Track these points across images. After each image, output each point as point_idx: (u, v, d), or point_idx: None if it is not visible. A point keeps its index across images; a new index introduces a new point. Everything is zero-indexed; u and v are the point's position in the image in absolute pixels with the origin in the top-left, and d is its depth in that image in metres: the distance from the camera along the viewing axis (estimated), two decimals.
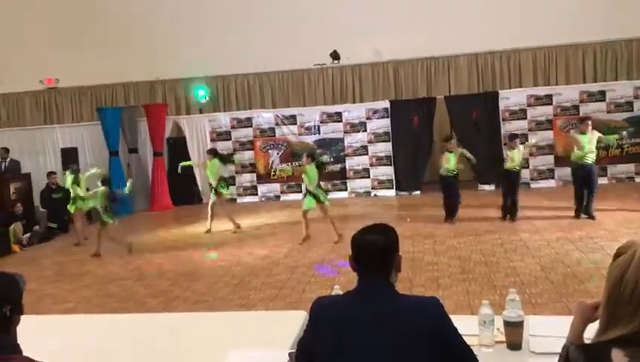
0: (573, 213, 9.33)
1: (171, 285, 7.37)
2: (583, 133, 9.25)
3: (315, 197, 8.92)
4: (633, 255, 1.64)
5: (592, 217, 9.09)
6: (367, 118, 13.55)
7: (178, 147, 14.15)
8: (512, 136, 9.82)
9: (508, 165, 9.51)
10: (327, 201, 9.14)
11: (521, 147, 9.64)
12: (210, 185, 10.67)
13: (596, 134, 9.32)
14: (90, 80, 15.83)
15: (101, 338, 3.10)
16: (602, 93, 12.73)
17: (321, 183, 9.32)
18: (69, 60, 15.26)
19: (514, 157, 9.46)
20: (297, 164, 13.62)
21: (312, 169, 8.96)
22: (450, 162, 9.60)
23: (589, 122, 9.52)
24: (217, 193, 10.50)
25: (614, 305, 1.64)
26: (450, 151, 9.64)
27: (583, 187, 9.22)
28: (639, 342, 1.57)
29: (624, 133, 11.57)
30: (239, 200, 13.85)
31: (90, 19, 15.40)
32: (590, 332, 1.79)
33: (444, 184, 9.85)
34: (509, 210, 9.54)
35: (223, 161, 11.16)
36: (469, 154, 9.84)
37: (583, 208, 9.23)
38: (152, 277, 7.80)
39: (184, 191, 14.01)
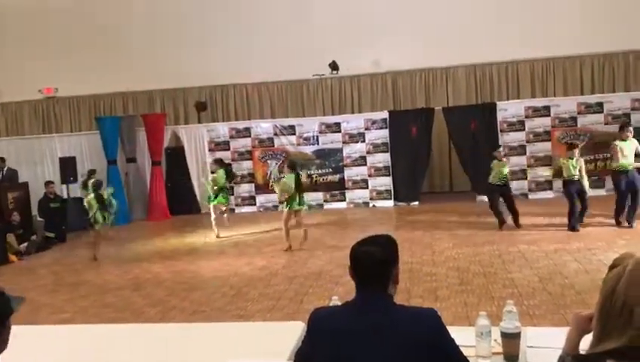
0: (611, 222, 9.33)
1: (169, 295, 7.35)
2: (624, 140, 9.16)
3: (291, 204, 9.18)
4: (625, 267, 1.66)
5: (631, 226, 9.08)
6: (366, 129, 13.59)
7: (176, 157, 14.18)
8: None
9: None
10: (303, 207, 9.54)
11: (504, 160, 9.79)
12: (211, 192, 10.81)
13: (635, 142, 9.22)
14: (88, 89, 15.88)
15: (98, 349, 3.10)
16: (600, 104, 12.77)
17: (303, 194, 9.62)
18: (68, 70, 15.32)
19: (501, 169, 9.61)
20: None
21: (290, 178, 9.19)
22: (494, 171, 9.69)
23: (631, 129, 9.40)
24: (216, 200, 10.73)
25: (606, 317, 1.65)
26: (499, 160, 9.72)
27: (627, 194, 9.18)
28: (632, 355, 1.58)
29: None
30: (237, 210, 13.84)
31: (90, 29, 15.46)
32: (586, 343, 1.80)
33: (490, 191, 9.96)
34: (514, 219, 9.69)
35: (228, 175, 11.33)
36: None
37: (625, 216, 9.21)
38: (150, 287, 7.78)
39: (182, 201, 14.02)
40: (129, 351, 3.02)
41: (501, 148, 10.19)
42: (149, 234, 11.93)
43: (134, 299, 7.30)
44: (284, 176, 9.34)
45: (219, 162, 11.14)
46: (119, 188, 13.63)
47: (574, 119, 12.77)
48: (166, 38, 15.23)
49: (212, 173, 11.17)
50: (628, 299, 1.61)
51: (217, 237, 10.81)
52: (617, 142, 9.24)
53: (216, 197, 10.83)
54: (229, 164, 13.19)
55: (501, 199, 9.73)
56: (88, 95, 16.21)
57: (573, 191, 9.25)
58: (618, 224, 9.22)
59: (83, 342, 3.24)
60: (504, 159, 9.89)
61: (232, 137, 14.07)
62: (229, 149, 14.06)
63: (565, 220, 9.39)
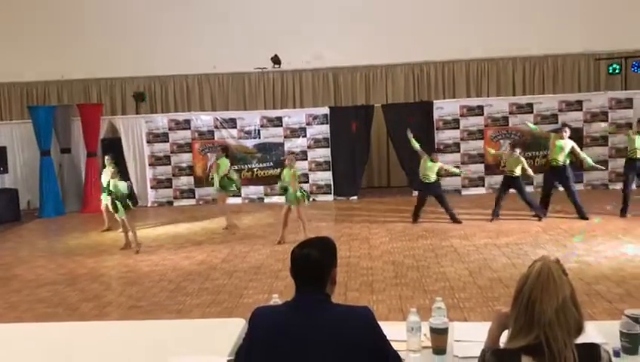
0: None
1: (105, 290, 7.25)
2: (561, 139, 9.82)
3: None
4: (533, 269, 1.85)
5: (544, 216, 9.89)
6: (307, 124, 13.70)
7: (113, 148, 13.81)
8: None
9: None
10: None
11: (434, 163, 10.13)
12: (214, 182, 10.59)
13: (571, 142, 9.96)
14: (20, 77, 15.27)
15: (29, 349, 3.02)
16: (530, 105, 13.37)
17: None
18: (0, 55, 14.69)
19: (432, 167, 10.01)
20: (236, 167, 13.60)
21: (223, 161, 10.29)
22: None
23: (567, 129, 10.05)
24: (222, 188, 10.50)
25: (517, 315, 1.83)
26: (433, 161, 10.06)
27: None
28: (540, 350, 1.77)
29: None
30: (176, 203, 13.70)
31: (23, 13, 14.87)
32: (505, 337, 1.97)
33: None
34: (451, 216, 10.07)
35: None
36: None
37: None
38: (85, 282, 7.63)
39: None
40: (63, 352, 2.97)
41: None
42: (84, 227, 11.63)
43: (69, 293, 7.15)
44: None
45: (225, 150, 10.95)
46: (53, 180, 13.23)
47: (506, 119, 13.32)
48: (104, 26, 14.82)
49: (217, 161, 10.70)
50: (531, 296, 1.80)
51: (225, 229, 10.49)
52: (557, 140, 9.94)
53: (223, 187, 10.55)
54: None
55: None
56: (20, 82, 15.58)
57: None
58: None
59: (12, 341, 3.15)
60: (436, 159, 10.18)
61: (171, 129, 13.86)
62: (168, 141, 13.85)
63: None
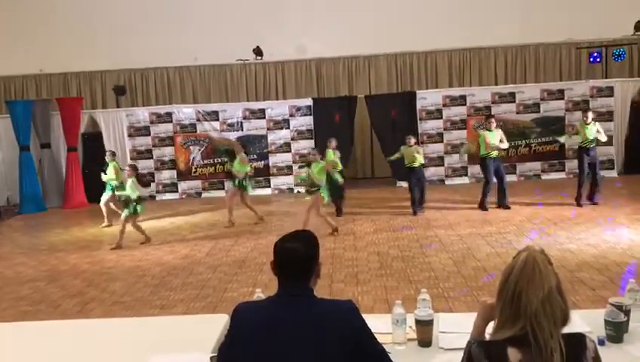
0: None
1: (87, 286, 7.15)
2: (489, 130, 9.95)
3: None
4: (518, 259, 1.83)
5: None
6: (291, 115, 13.64)
7: (94, 142, 13.67)
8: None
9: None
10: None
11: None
12: (236, 178, 10.11)
13: (500, 132, 10.07)
14: None
15: (10, 349, 2.98)
16: (512, 94, 13.44)
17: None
18: None
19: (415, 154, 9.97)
20: (219, 160, 13.54)
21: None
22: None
23: (493, 120, 10.15)
24: (241, 187, 10.10)
25: (502, 306, 1.81)
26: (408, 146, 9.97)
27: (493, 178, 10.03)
28: (525, 341, 1.75)
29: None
30: (158, 197, 13.58)
31: (1, 7, 14.58)
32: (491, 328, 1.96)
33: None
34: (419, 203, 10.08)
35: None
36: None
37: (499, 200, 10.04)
38: (67, 278, 7.53)
39: (100, 188, 13.53)
40: (46, 350, 2.93)
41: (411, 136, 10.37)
42: (65, 223, 11.49)
43: (50, 290, 7.05)
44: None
45: (244, 146, 10.62)
46: (33, 175, 13.04)
47: (489, 108, 13.36)
48: (82, 18, 14.61)
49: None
50: (517, 287, 1.78)
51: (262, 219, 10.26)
52: (483, 132, 10.14)
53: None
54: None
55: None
56: None
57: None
58: (481, 206, 10.04)
59: None
60: (413, 145, 10.10)
61: (152, 122, 13.72)
62: (149, 135, 13.71)
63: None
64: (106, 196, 10.68)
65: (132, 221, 9.05)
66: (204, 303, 6.17)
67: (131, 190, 8.92)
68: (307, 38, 14.49)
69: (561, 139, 10.86)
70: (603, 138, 9.88)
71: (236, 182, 10.09)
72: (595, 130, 9.72)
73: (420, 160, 10.02)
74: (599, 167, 10.00)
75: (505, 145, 10.15)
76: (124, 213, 9.05)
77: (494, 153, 9.93)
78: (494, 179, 10.00)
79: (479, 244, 7.87)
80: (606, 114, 13.20)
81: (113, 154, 10.79)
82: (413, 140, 10.07)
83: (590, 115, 9.88)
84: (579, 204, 9.86)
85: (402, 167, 10.37)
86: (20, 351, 2.95)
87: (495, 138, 9.87)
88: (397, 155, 10.29)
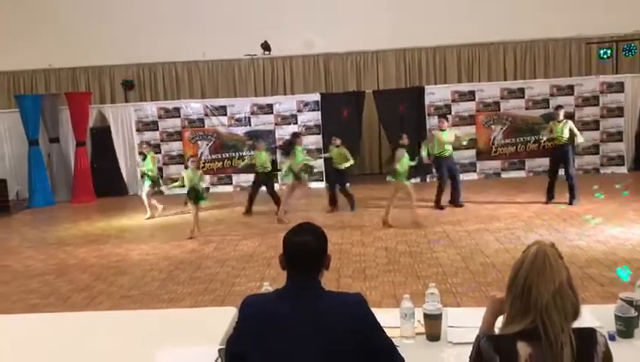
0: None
1: (95, 280, 7.18)
2: (443, 130, 10.09)
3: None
4: (528, 254, 1.81)
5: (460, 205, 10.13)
6: (298, 111, 13.62)
7: (102, 137, 13.73)
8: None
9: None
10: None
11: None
12: (293, 171, 9.93)
13: (454, 130, 10.34)
14: (6, 65, 15.06)
15: (20, 340, 2.99)
16: (521, 90, 13.35)
17: None
18: None
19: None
20: (227, 155, 13.59)
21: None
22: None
23: (444, 120, 10.33)
24: (298, 178, 9.92)
25: (512, 300, 1.80)
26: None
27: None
28: (535, 335, 1.73)
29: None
30: (166, 191, 13.56)
31: (10, 2, 14.64)
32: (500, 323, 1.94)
33: None
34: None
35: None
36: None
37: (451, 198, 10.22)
38: (76, 272, 7.57)
39: (108, 183, 13.63)
40: (55, 341, 2.94)
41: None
42: (74, 217, 11.54)
43: (59, 284, 7.09)
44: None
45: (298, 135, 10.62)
46: (42, 170, 13.11)
47: (497, 104, 13.30)
48: (91, 13, 14.64)
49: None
50: (527, 281, 1.76)
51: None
52: (435, 132, 10.28)
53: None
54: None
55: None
56: (6, 71, 15.38)
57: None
58: (437, 205, 10.06)
59: (3, 332, 3.12)
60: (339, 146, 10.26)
61: (160, 117, 13.75)
62: (157, 130, 13.75)
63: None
64: (146, 187, 10.79)
65: (198, 209, 9.17)
66: (212, 297, 6.19)
67: (201, 180, 9.25)
68: (315, 33, 14.46)
69: (543, 137, 10.90)
70: (579, 139, 9.77)
71: (295, 174, 9.84)
72: (567, 129, 9.59)
73: (346, 163, 10.00)
74: (572, 167, 9.75)
75: (464, 141, 10.43)
76: (196, 202, 9.12)
77: (447, 152, 10.04)
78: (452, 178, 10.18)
79: (487, 240, 7.84)
80: (616, 110, 13.11)
81: (148, 144, 10.85)
82: (338, 141, 10.21)
83: (562, 113, 9.82)
84: (546, 201, 9.85)
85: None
86: (29, 342, 2.96)
87: (448, 137, 10.00)
88: (327, 155, 10.57)
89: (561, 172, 9.87)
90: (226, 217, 10.54)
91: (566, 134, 9.64)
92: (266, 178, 10.39)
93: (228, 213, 10.75)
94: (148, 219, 10.72)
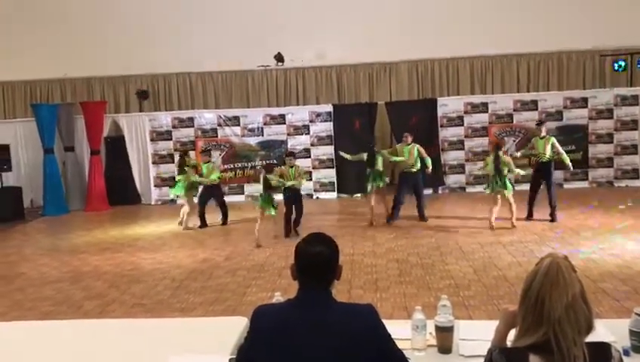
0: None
1: (108, 288, 7.22)
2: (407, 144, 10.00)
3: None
4: (541, 265, 1.81)
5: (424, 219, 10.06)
6: (311, 121, 13.67)
7: (116, 146, 13.86)
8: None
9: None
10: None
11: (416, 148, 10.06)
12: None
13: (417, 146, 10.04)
14: (23, 75, 15.28)
15: (33, 347, 3.01)
16: (534, 102, 13.32)
17: None
18: (2, 53, 14.69)
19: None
20: (239, 165, 13.66)
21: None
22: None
23: (408, 135, 10.16)
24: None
25: (525, 313, 1.79)
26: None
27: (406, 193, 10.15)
28: (547, 348, 1.72)
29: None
30: (178, 200, 13.62)
31: (27, 12, 14.87)
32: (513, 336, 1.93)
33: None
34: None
35: None
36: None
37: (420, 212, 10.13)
38: (89, 280, 7.62)
39: (122, 192, 13.73)
40: (67, 349, 2.96)
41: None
42: (88, 225, 11.64)
43: (72, 291, 7.13)
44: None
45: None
46: (56, 178, 13.24)
47: (510, 116, 13.26)
48: (107, 23, 14.82)
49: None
50: (540, 293, 1.75)
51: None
52: (398, 146, 10.23)
53: None
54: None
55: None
56: (23, 80, 15.60)
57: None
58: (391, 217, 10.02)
59: (16, 339, 3.14)
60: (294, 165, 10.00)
61: (174, 127, 13.87)
62: (171, 139, 13.85)
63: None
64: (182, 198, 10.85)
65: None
66: (224, 306, 6.19)
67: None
68: (328, 45, 14.53)
69: (518, 154, 10.26)
70: (564, 158, 9.43)
71: (377, 182, 10.00)
72: (549, 146, 9.35)
73: (298, 183, 9.63)
74: (553, 184, 9.59)
75: (427, 160, 10.03)
76: (272, 213, 9.17)
77: (414, 168, 9.94)
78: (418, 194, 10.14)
79: (500, 253, 7.79)
80: (630, 123, 13.03)
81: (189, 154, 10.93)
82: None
83: (544, 128, 9.62)
84: (527, 218, 9.64)
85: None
86: (42, 349, 2.98)
87: (410, 153, 9.89)
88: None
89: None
90: (236, 227, 10.56)
91: (548, 151, 9.37)
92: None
93: (238, 223, 10.76)
94: (199, 227, 10.68)
